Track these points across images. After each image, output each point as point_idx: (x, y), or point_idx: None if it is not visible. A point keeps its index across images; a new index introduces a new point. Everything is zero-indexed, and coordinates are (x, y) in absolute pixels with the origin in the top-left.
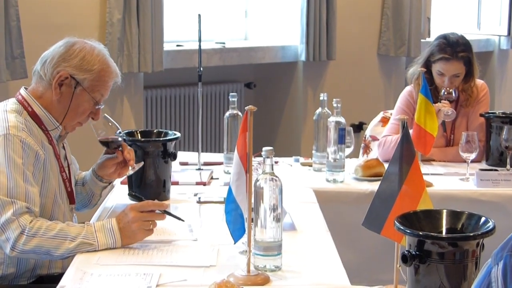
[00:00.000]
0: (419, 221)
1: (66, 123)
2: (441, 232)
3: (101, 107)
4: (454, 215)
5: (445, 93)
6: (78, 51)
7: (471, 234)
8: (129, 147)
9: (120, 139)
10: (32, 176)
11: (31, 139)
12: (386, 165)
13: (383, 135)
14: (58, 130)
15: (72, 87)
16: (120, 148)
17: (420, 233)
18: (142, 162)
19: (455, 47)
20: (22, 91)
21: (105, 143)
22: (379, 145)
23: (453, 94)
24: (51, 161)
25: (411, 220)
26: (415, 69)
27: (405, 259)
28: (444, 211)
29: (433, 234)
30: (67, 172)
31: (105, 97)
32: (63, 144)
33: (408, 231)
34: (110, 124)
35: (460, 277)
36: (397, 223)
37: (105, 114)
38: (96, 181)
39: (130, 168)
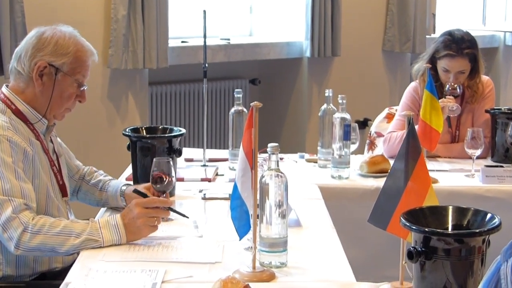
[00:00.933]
0: (425, 218)
1: (54, 111)
2: (447, 229)
3: (85, 88)
4: (460, 212)
5: (450, 88)
6: (50, 38)
7: (477, 231)
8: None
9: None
10: (23, 173)
11: (18, 137)
12: (391, 161)
13: (388, 131)
14: (43, 124)
15: (52, 74)
16: (164, 195)
17: (426, 229)
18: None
19: (460, 44)
20: (4, 89)
21: (154, 182)
22: (384, 141)
23: (458, 90)
24: (40, 156)
25: (417, 217)
26: (420, 65)
27: (411, 255)
28: (450, 207)
29: (439, 230)
30: (57, 165)
31: (87, 77)
32: (50, 137)
33: (414, 227)
34: (166, 169)
35: (466, 273)
36: (403, 219)
37: (170, 160)
38: (119, 200)
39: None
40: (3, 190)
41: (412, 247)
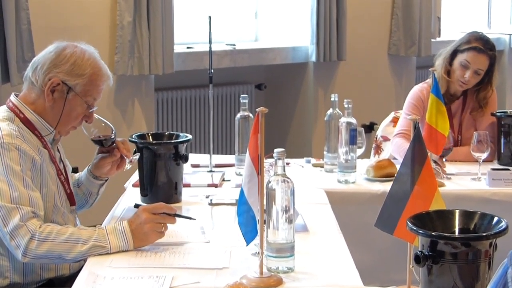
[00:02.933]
0: (431, 222)
1: (60, 128)
2: (454, 232)
3: (94, 110)
4: (467, 215)
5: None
6: (69, 56)
7: (484, 234)
8: (122, 139)
9: (113, 136)
10: (31, 181)
11: (26, 145)
12: (397, 165)
13: (397, 130)
14: (52, 135)
15: (64, 92)
16: (114, 145)
17: (433, 233)
18: (138, 154)
19: (487, 43)
20: (13, 98)
21: (99, 141)
22: (393, 143)
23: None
24: (48, 165)
25: (423, 221)
26: (441, 61)
27: (418, 259)
28: (457, 211)
29: (446, 234)
30: (64, 174)
31: (98, 100)
32: (57, 147)
33: (421, 231)
34: (102, 124)
35: (473, 277)
36: (409, 223)
37: (96, 115)
38: (93, 180)
39: (127, 161)
40: (11, 198)
41: (419, 251)
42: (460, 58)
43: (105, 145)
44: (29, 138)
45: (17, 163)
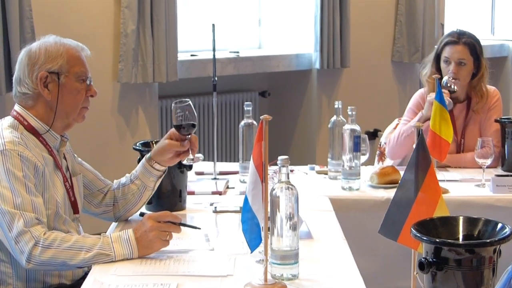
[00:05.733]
0: (435, 228)
1: (73, 114)
2: (458, 239)
3: (92, 83)
4: (471, 222)
5: (447, 83)
6: (39, 50)
7: (488, 241)
8: (195, 136)
9: (194, 127)
10: (34, 187)
11: (29, 152)
12: (401, 172)
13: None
14: (55, 139)
15: (56, 80)
16: (189, 136)
17: (437, 240)
18: (202, 156)
19: (460, 34)
20: (17, 107)
21: (179, 126)
22: (387, 144)
23: (453, 86)
24: (52, 171)
25: (427, 227)
26: (428, 69)
27: (422, 266)
28: (461, 217)
29: (450, 241)
30: (70, 182)
31: (87, 71)
32: (64, 155)
33: (425, 238)
34: (188, 112)
35: (477, 283)
36: (413, 230)
37: (190, 102)
38: (151, 170)
39: (190, 156)
40: (14, 204)
41: (423, 258)
42: (442, 58)
43: (182, 132)
44: (33, 145)
45: (19, 169)
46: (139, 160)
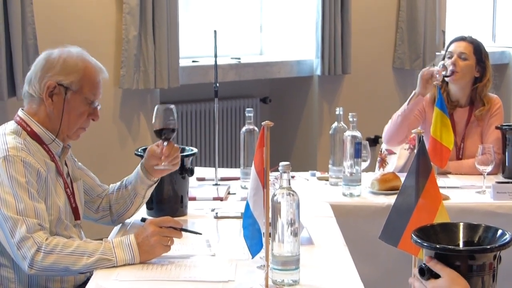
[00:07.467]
0: (436, 234)
1: (67, 131)
2: (458, 245)
3: (98, 107)
4: (471, 228)
5: (442, 65)
6: (58, 58)
7: (488, 247)
8: (176, 145)
9: (172, 133)
10: (36, 193)
11: (31, 158)
12: (402, 178)
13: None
14: (58, 146)
15: (62, 94)
16: (165, 143)
17: (437, 246)
18: (176, 168)
19: (468, 36)
20: (20, 112)
21: (159, 131)
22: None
23: (448, 72)
24: (54, 178)
25: (428, 233)
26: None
27: (422, 272)
28: (461, 224)
29: (449, 247)
30: (71, 188)
31: (98, 95)
32: (65, 161)
33: (425, 244)
34: (171, 118)
35: None
36: (414, 236)
37: (172, 106)
38: (143, 178)
39: (162, 164)
40: (17, 209)
41: (424, 263)
42: (446, 55)
43: (161, 136)
44: (36, 151)
45: (22, 175)
46: None
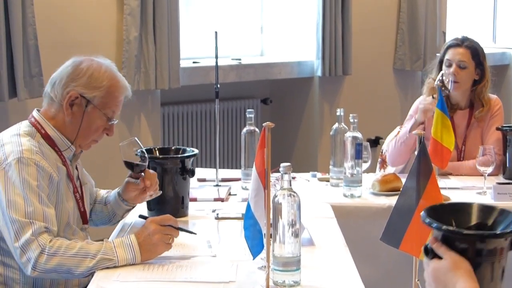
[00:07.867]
0: (447, 214)
1: (81, 142)
2: (470, 227)
3: (115, 123)
4: (486, 210)
5: (444, 80)
6: (86, 70)
7: (498, 232)
8: (152, 172)
9: (144, 164)
10: (47, 198)
11: (45, 162)
12: (403, 179)
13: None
14: (71, 151)
15: (83, 106)
16: (142, 174)
17: (443, 227)
18: (160, 192)
19: (464, 39)
20: (35, 113)
21: (130, 164)
22: (387, 151)
23: (450, 86)
24: (65, 182)
25: (439, 213)
26: (433, 74)
27: (426, 251)
28: (475, 205)
29: (454, 229)
30: (80, 192)
31: (117, 112)
32: (76, 164)
33: (434, 224)
34: (136, 148)
35: (485, 275)
36: (424, 215)
37: (136, 138)
38: (121, 204)
39: (148, 194)
40: (26, 212)
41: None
42: (444, 61)
43: (135, 171)
44: (49, 154)
45: (34, 179)
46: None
